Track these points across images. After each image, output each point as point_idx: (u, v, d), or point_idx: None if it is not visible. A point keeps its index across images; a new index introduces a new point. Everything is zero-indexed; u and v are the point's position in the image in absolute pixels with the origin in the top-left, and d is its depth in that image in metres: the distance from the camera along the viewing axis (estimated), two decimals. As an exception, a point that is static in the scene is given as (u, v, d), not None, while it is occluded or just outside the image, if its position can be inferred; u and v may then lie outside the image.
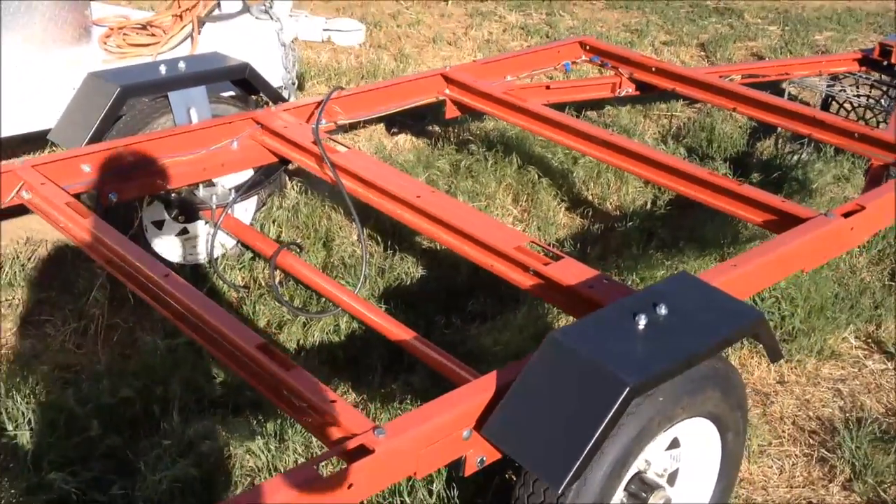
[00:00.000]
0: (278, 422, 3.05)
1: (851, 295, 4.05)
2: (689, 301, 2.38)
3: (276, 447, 2.95)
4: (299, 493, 1.95)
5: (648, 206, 4.69)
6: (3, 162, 3.21)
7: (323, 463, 2.06)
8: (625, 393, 2.06)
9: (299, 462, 2.92)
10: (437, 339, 3.36)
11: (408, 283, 3.89)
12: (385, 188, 3.28)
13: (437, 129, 5.50)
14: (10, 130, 4.10)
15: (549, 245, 3.04)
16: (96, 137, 3.43)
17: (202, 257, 4.00)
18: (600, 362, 2.12)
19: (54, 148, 4.70)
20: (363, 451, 2.08)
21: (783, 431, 3.38)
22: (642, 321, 2.25)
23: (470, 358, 3.19)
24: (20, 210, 3.41)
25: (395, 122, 5.52)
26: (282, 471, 2.89)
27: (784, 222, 3.28)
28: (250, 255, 4.01)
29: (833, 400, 3.56)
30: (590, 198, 4.79)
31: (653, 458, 2.46)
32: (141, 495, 2.72)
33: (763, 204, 3.35)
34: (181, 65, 3.66)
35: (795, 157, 5.11)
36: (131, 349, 3.48)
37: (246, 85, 3.90)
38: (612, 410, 2.06)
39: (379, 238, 4.17)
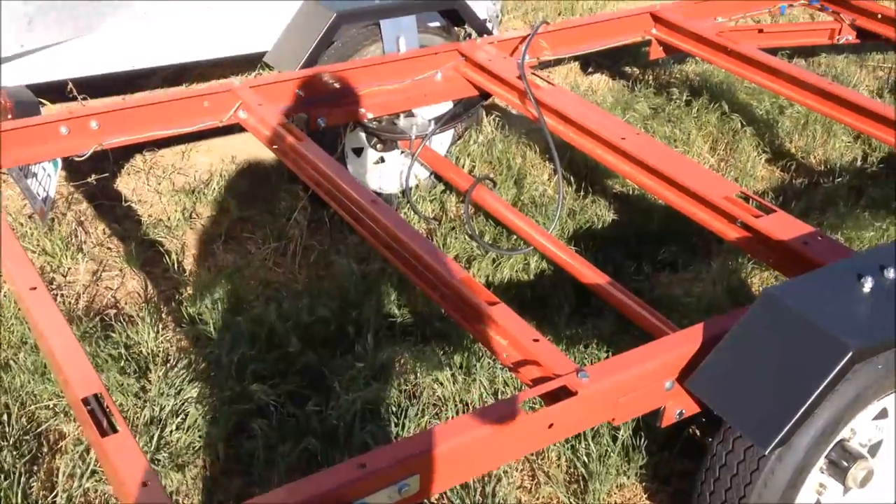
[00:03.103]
0: (465, 355, 3.08)
1: None
2: (921, 266, 2.22)
3: (464, 380, 2.98)
4: (503, 426, 1.95)
5: (858, 162, 4.41)
6: (222, 81, 3.34)
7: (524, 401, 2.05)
8: (847, 357, 1.95)
9: (485, 397, 2.94)
10: (625, 284, 3.29)
11: (598, 226, 3.82)
12: (589, 127, 3.20)
13: (634, 70, 5.33)
14: (224, 52, 4.23)
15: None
16: (310, 62, 3.51)
17: (396, 187, 4.06)
18: (822, 323, 2.01)
19: (261, 71, 4.87)
20: (565, 392, 2.06)
21: None
22: (868, 284, 2.12)
23: (658, 307, 3.10)
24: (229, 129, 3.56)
25: (591, 62, 5.39)
26: (468, 404, 2.92)
27: None
28: (441, 187, 4.04)
29: None
30: (793, 150, 4.55)
31: (859, 427, 2.33)
32: (334, 413, 2.81)
33: None
34: (393, -7, 3.68)
35: None
36: (326, 271, 3.58)
37: (453, 16, 3.88)
38: (832, 374, 1.96)
39: (572, 179, 4.10)
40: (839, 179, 4.17)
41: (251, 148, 4.32)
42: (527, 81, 3.42)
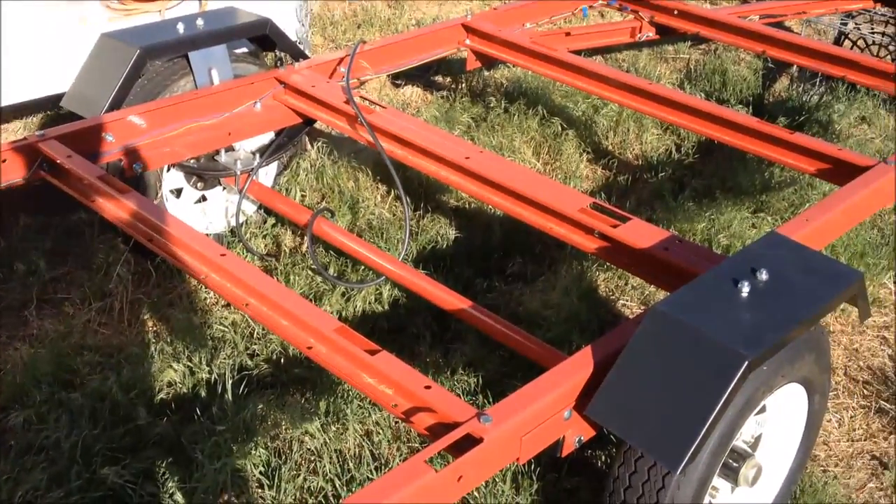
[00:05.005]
0: (331, 399, 2.91)
1: (887, 240, 3.97)
2: (787, 264, 2.27)
3: (335, 428, 2.82)
4: (414, 492, 1.82)
5: (673, 154, 4.56)
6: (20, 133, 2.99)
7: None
8: (743, 367, 1.95)
9: (361, 444, 2.79)
10: (482, 303, 3.23)
11: (443, 245, 3.74)
12: (430, 149, 3.11)
13: (446, 80, 5.30)
14: (9, 99, 3.84)
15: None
16: (116, 104, 3.20)
17: (222, 226, 3.81)
18: (714, 336, 2.00)
19: (48, 112, 4.47)
20: (470, 440, 1.95)
21: (837, 383, 3.31)
22: (745, 288, 2.14)
23: (519, 323, 3.06)
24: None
25: (400, 75, 5.30)
26: (344, 453, 2.76)
27: (840, 171, 3.17)
28: (273, 221, 3.83)
29: (881, 348, 3.49)
30: (610, 147, 4.65)
31: (744, 427, 2.36)
32: (201, 486, 2.57)
33: (817, 152, 3.24)
34: (199, 22, 3.43)
35: (815, 98, 4.99)
36: (161, 326, 3.30)
37: (264, 41, 3.67)
38: (731, 386, 1.95)
39: (409, 199, 3.99)
40: (662, 174, 4.29)
41: (47, 198, 3.91)
42: (356, 106, 3.28)
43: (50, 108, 4.49)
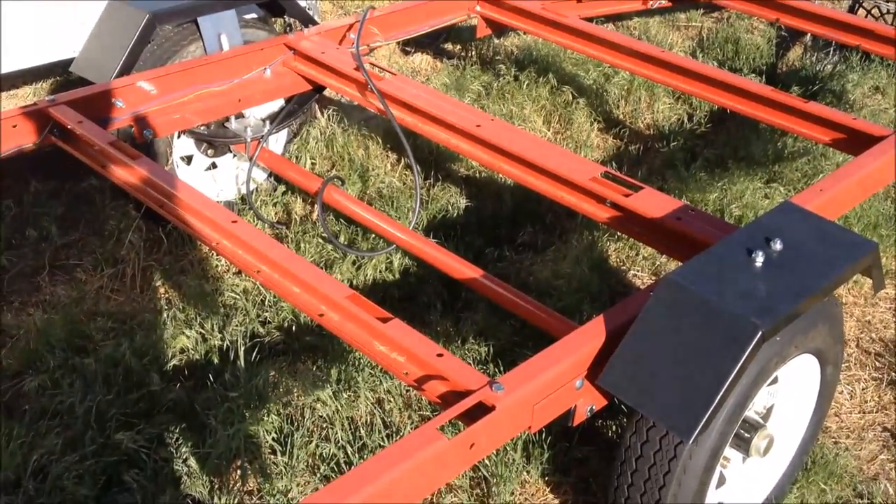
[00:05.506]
0: (342, 367, 2.92)
1: (901, 211, 3.95)
2: (801, 234, 2.26)
3: (347, 396, 2.83)
4: (426, 458, 1.82)
5: (685, 123, 4.53)
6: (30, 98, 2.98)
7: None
8: (757, 338, 1.95)
9: (373, 411, 2.80)
10: (492, 272, 3.23)
11: (453, 214, 3.73)
12: (441, 117, 3.09)
13: (456, 48, 5.26)
14: (14, 65, 3.81)
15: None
16: (126, 69, 3.19)
17: (233, 193, 3.80)
18: (728, 306, 1.99)
19: (57, 78, 4.45)
20: (482, 408, 1.95)
21: (849, 355, 3.31)
22: (759, 258, 2.13)
23: (529, 292, 3.06)
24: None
25: (409, 42, 5.26)
26: (356, 420, 2.78)
27: (854, 141, 3.15)
28: (283, 189, 3.82)
29: (893, 321, 3.48)
30: (622, 116, 4.62)
31: (757, 398, 2.36)
32: (215, 452, 2.59)
33: (832, 122, 3.21)
34: (208, -13, 3.41)
35: (829, 68, 4.94)
36: (173, 293, 3.31)
37: (272, 6, 3.65)
38: (744, 356, 1.95)
39: (419, 167, 3.98)
40: (674, 143, 4.26)
41: (57, 165, 3.91)
42: (366, 73, 3.26)
43: (59, 74, 4.47)
